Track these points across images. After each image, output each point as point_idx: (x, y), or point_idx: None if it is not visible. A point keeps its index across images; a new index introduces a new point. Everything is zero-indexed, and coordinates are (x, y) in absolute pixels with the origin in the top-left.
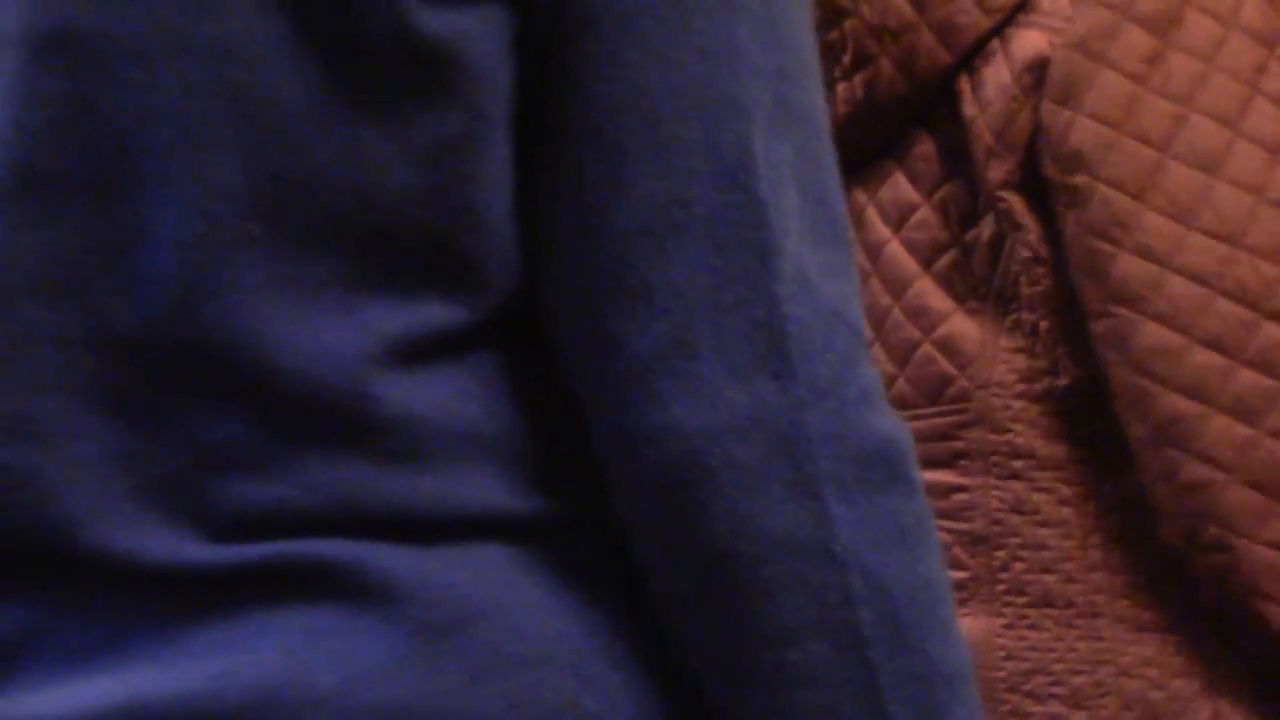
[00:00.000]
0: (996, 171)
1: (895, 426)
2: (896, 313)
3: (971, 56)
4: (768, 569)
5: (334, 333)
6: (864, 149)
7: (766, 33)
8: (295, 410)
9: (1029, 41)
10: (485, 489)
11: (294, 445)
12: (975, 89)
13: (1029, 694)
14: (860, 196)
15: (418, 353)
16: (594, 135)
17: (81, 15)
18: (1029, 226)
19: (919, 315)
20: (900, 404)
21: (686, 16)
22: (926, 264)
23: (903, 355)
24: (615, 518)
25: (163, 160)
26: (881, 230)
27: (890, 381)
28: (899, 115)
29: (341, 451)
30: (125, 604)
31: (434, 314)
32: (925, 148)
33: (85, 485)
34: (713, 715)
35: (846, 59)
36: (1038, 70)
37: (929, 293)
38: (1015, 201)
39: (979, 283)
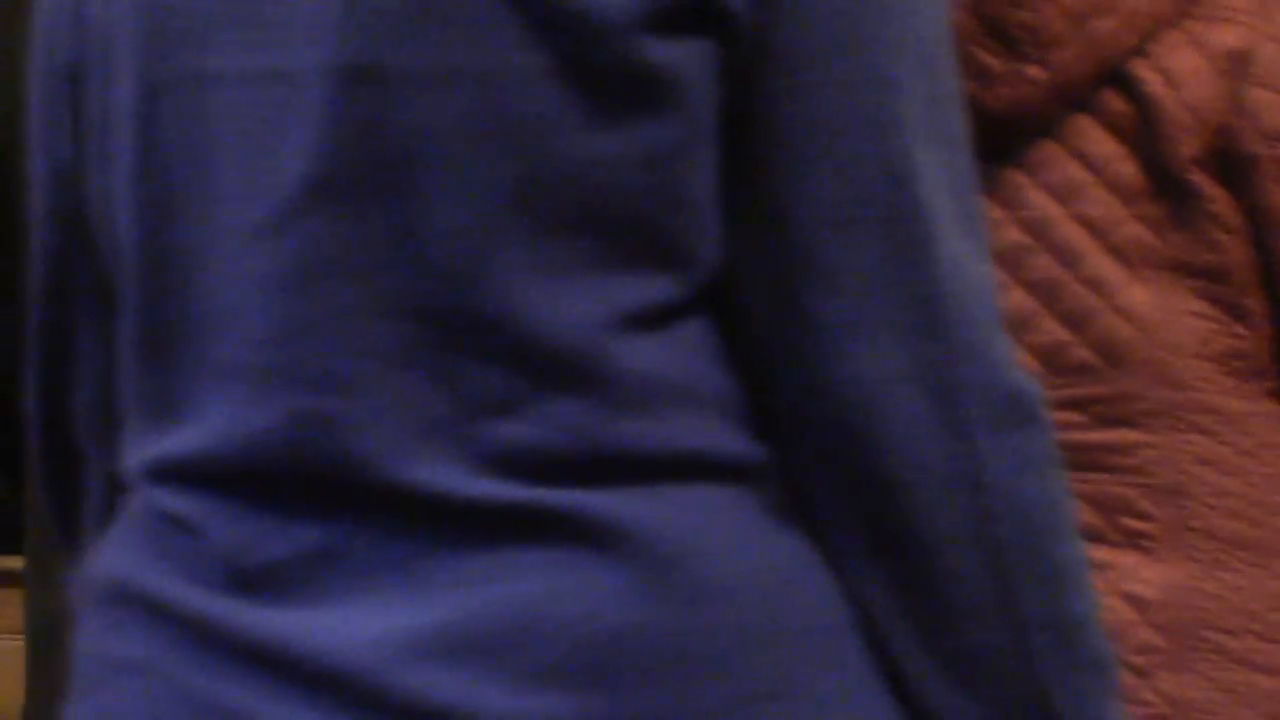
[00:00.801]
0: (1189, 147)
1: (1027, 379)
2: (1072, 283)
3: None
4: (927, 492)
5: (579, 304)
6: (1023, 133)
7: (923, 65)
8: (547, 366)
9: (1224, 33)
10: (699, 435)
11: (546, 394)
12: (1163, 72)
13: (1226, 631)
14: (1018, 177)
15: (644, 320)
16: (786, 146)
17: (373, 54)
18: (1217, 198)
19: (1096, 285)
20: (1080, 368)
21: (861, 53)
22: (1099, 236)
23: (1079, 322)
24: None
25: (440, 167)
26: (1049, 207)
27: (1063, 348)
28: (1073, 97)
29: (583, 401)
30: (412, 533)
31: (657, 288)
32: (1089, 128)
33: (379, 427)
34: (877, 624)
35: (1038, 40)
36: (1238, 58)
37: (1104, 264)
38: (1203, 175)
39: (1153, 251)
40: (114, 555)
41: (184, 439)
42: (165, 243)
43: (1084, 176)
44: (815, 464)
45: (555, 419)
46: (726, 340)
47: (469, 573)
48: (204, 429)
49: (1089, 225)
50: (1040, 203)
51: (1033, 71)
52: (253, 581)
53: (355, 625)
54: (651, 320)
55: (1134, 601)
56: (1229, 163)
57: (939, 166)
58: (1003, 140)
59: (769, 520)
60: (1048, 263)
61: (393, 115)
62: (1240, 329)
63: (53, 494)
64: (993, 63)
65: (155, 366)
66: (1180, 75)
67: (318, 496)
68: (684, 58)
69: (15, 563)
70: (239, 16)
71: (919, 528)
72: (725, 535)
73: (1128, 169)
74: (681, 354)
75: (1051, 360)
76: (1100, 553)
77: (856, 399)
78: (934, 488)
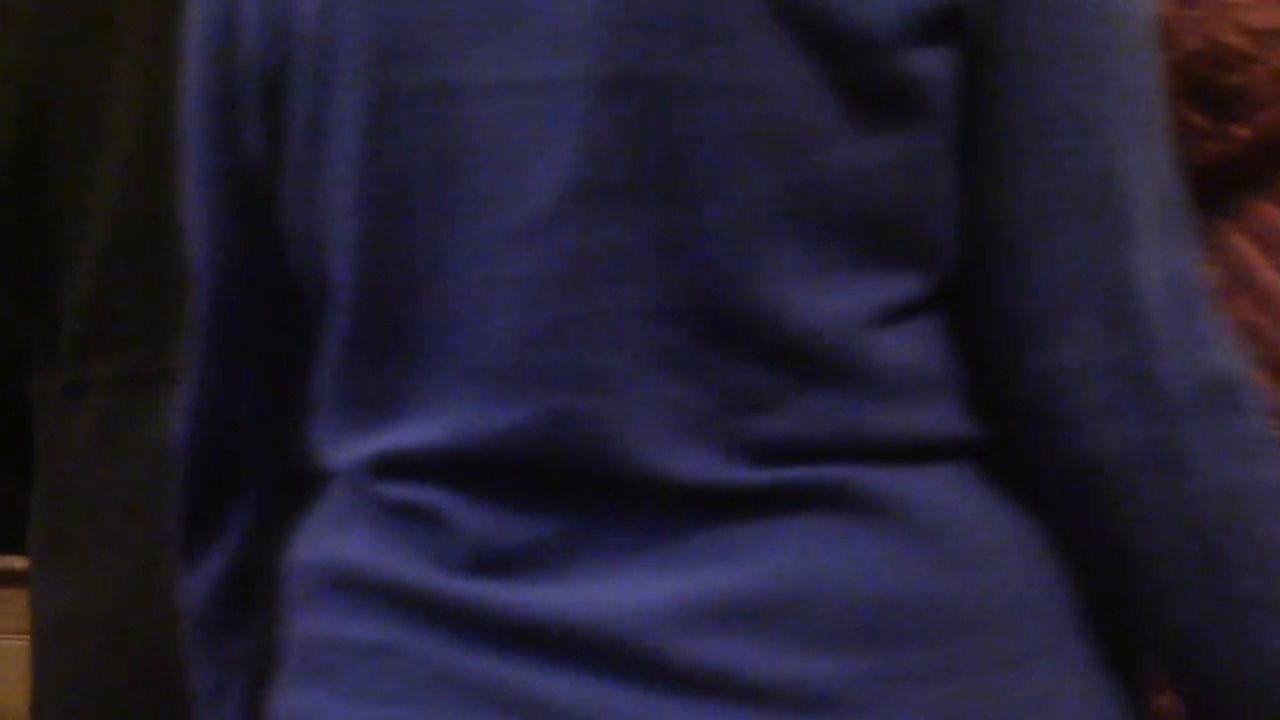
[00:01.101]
0: None
1: (1234, 362)
2: (1271, 330)
3: None
4: (1128, 477)
5: (839, 302)
6: (1228, 185)
7: (1133, 70)
8: (808, 361)
9: None
10: (943, 419)
11: (806, 388)
12: None
13: None
14: (1223, 223)
15: (896, 315)
16: (998, 143)
17: (638, 65)
18: None
19: None
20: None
21: (1076, 59)
22: None
23: (1275, 367)
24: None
25: (710, 173)
26: (1251, 255)
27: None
28: (1278, 155)
29: (841, 392)
30: (670, 516)
31: (908, 285)
32: None
33: (642, 422)
34: (1096, 589)
35: (1246, 101)
36: None
37: None
38: None
39: None
40: (335, 544)
41: (418, 433)
42: (395, 246)
43: None
44: (1028, 448)
45: (813, 411)
46: (956, 332)
47: (734, 547)
48: (445, 424)
49: None
50: (1245, 249)
51: (1239, 131)
52: (503, 564)
53: (620, 596)
54: (902, 315)
55: None
56: None
57: (1144, 163)
58: (1207, 189)
59: (1008, 496)
60: (1248, 307)
61: (660, 124)
62: None
63: (202, 486)
64: (1199, 121)
65: (374, 365)
66: None
67: (567, 487)
68: (938, 67)
69: (18, 562)
70: (491, 31)
71: (1123, 511)
72: (977, 507)
73: None
74: (924, 346)
75: None
76: None
77: (1057, 389)
78: (1135, 473)
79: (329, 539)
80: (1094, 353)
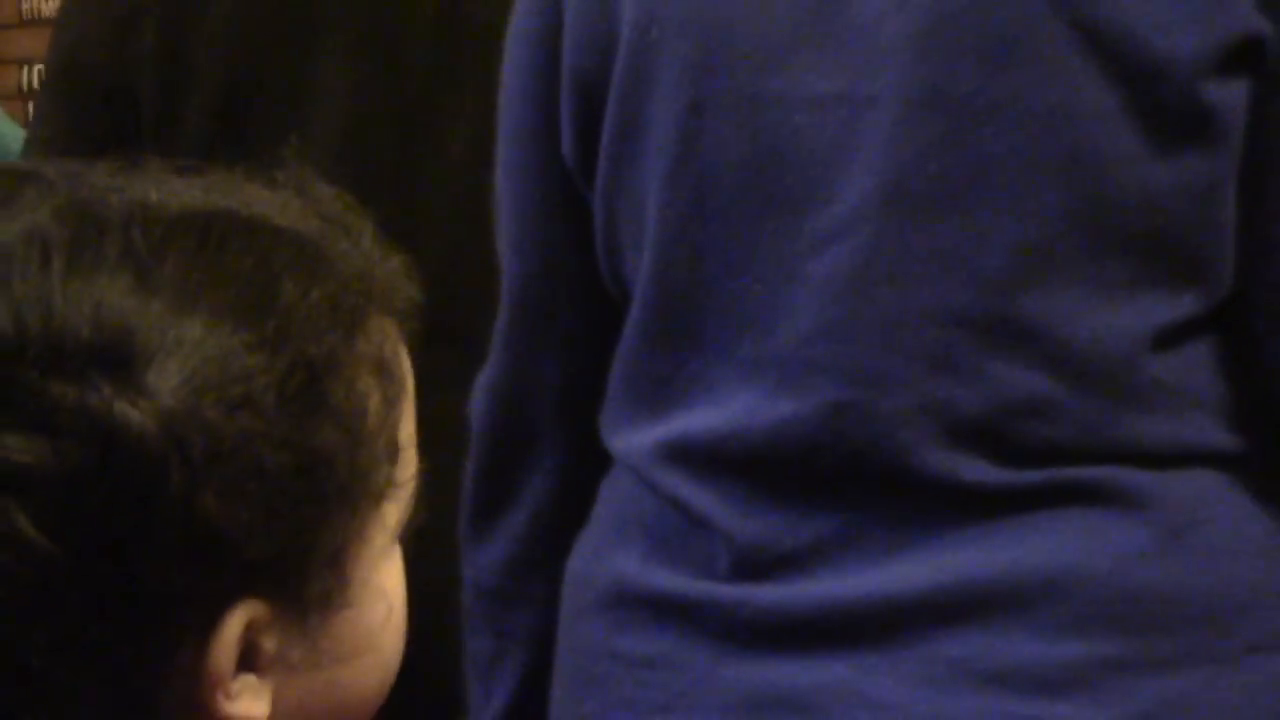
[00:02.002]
0: None
1: None
2: None
3: None
4: None
5: (1118, 319)
6: None
7: None
8: (1082, 373)
9: None
10: (1203, 431)
11: (1078, 398)
12: None
13: None
14: None
15: (1171, 334)
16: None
17: (945, 83)
18: None
19: None
20: None
21: None
22: None
23: None
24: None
25: (1004, 189)
26: None
27: None
28: None
29: (1111, 404)
30: (936, 513)
31: (1184, 306)
32: None
33: (912, 423)
34: None
35: None
36: None
37: None
38: None
39: None
40: (616, 557)
41: (696, 420)
42: (697, 244)
43: None
44: None
45: (1082, 420)
46: (1225, 352)
47: (994, 539)
48: (722, 413)
49: None
50: None
51: None
52: (768, 565)
53: (880, 588)
54: (1175, 334)
55: None
56: None
57: None
58: None
59: (1257, 500)
60: None
61: (962, 140)
62: None
63: (496, 459)
64: None
65: (665, 354)
66: None
67: (837, 482)
68: (1233, 96)
69: None
70: (808, 46)
71: None
72: (1227, 507)
73: None
74: (1192, 364)
75: None
76: None
77: None
78: None
79: (605, 551)
80: None
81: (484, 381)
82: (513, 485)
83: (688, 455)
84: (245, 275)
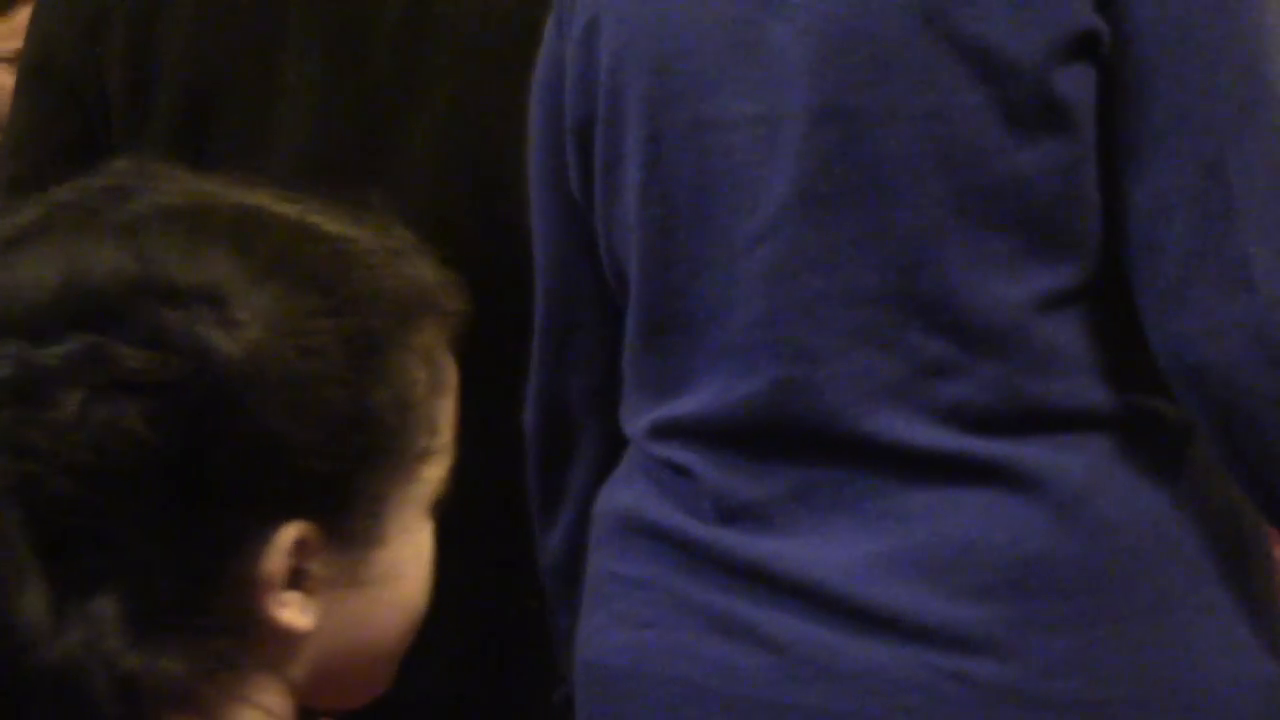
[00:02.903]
0: None
1: None
2: None
3: None
4: (1261, 413)
5: (1005, 288)
6: None
7: (1244, 67)
8: (980, 338)
9: None
10: (1091, 393)
11: (977, 360)
12: None
13: None
14: None
15: (1054, 301)
16: (1128, 149)
17: (841, 97)
18: None
19: None
20: None
21: (1190, 72)
22: None
23: None
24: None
25: (899, 184)
26: None
27: None
28: None
29: (1005, 365)
30: (868, 475)
31: (1063, 275)
32: None
33: (844, 390)
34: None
35: None
36: None
37: None
38: None
39: None
40: (621, 494)
41: (683, 405)
42: (667, 254)
43: None
44: (1185, 400)
45: (983, 380)
46: (1112, 316)
47: (916, 509)
48: (701, 397)
49: None
50: None
51: None
52: (738, 515)
53: (825, 550)
54: (1060, 301)
55: None
56: None
57: (1256, 155)
58: None
59: (1146, 468)
60: None
61: (858, 145)
62: None
63: (546, 458)
64: None
65: (656, 351)
66: None
67: (789, 448)
68: (1079, 85)
69: None
70: (734, 74)
71: (1261, 439)
72: (1120, 479)
73: None
74: (1075, 328)
75: None
76: None
77: (1190, 347)
78: (1265, 409)
79: (618, 491)
80: (1215, 314)
81: (529, 392)
82: (563, 479)
83: (677, 431)
84: (324, 261)
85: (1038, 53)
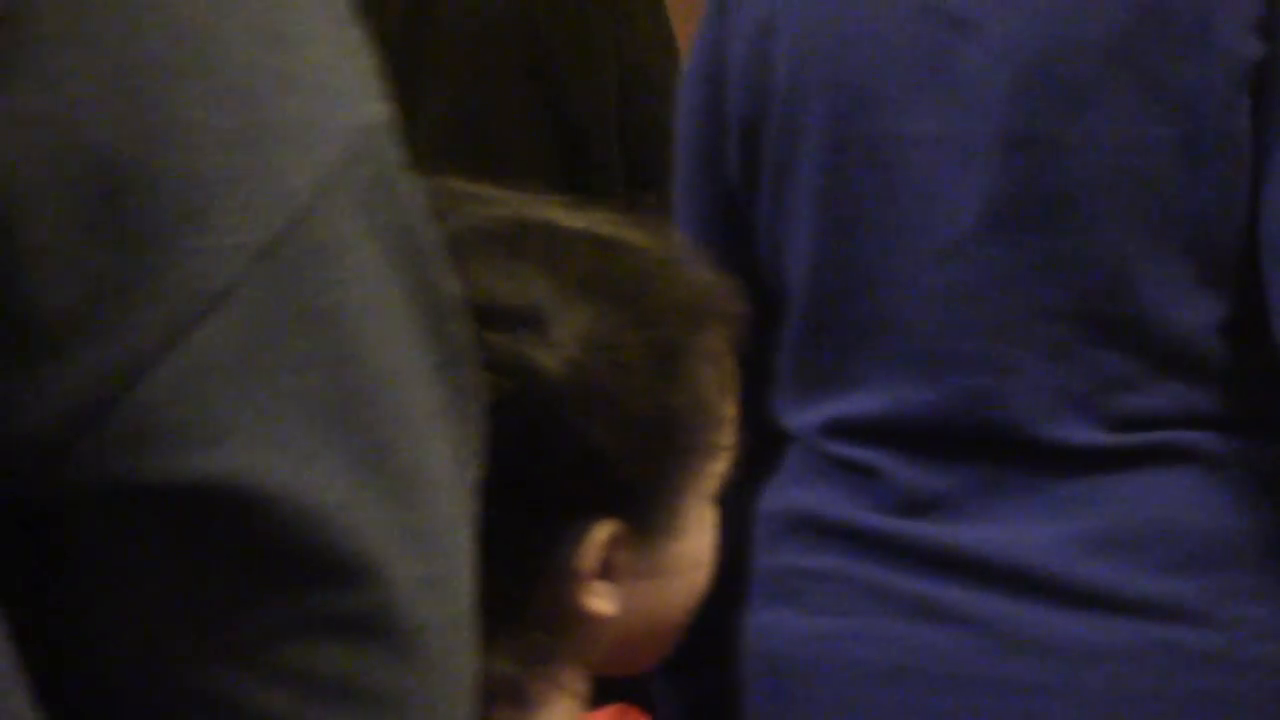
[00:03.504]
0: None
1: None
2: None
3: None
4: None
5: (1187, 311)
6: None
7: None
8: (1165, 355)
9: None
10: (1267, 409)
11: (1162, 376)
12: None
13: None
14: None
15: (1227, 325)
16: (1266, 174)
17: (1038, 125)
18: None
19: None
20: None
21: None
22: None
23: None
24: None
25: (1086, 209)
26: None
27: None
28: None
29: (1186, 380)
30: (1053, 471)
31: (1235, 299)
32: None
33: (1027, 399)
34: None
35: None
36: None
37: None
38: None
39: None
40: (794, 493)
41: (860, 405)
42: (843, 258)
43: None
44: None
45: (1164, 393)
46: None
47: (1109, 494)
48: (880, 399)
49: None
50: None
51: None
52: (930, 507)
53: (1023, 534)
54: (1230, 325)
55: None
56: None
57: None
58: None
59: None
60: None
61: (1052, 171)
62: None
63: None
64: None
65: (822, 348)
66: None
67: (976, 447)
68: (1249, 114)
69: None
70: (925, 93)
71: None
72: (1274, 464)
73: None
74: (1247, 350)
75: None
76: None
77: None
78: None
79: (789, 491)
80: None
81: None
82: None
83: (851, 430)
84: (626, 276)
85: (1222, 86)
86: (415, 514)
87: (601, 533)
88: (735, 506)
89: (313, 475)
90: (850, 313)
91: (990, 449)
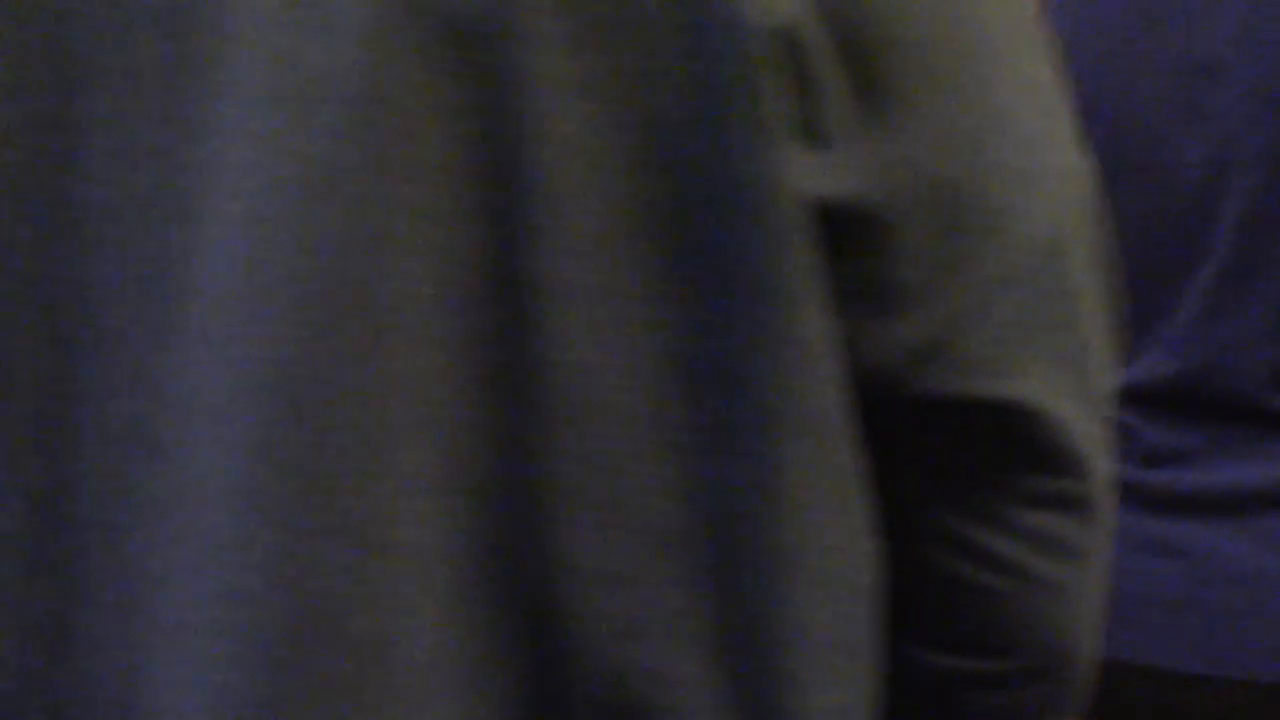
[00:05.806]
0: None
1: None
2: None
3: None
4: None
5: (1258, 358)
6: None
7: None
8: None
9: None
10: None
11: None
12: None
13: None
14: None
15: None
16: None
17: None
18: None
19: None
20: None
21: None
22: None
23: None
24: None
25: (1198, 231)
26: None
27: None
28: None
29: None
30: (1272, 428)
31: None
32: None
33: (1252, 375)
34: None
35: None
36: None
37: None
38: None
39: None
40: None
41: (1126, 375)
42: (1118, 270)
43: None
44: None
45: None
46: None
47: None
48: (1135, 371)
49: None
50: None
51: None
52: (1165, 461)
53: (1234, 481)
54: None
55: None
56: None
57: None
58: None
59: None
60: None
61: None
62: None
63: None
64: None
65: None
66: None
67: (1204, 412)
68: None
69: None
70: (1180, 128)
71: None
72: None
73: None
74: None
75: None
76: None
77: None
78: None
79: None
80: None
81: None
82: None
83: (1122, 397)
84: None
85: None
86: (1100, 426)
87: None
88: None
89: (1060, 401)
90: (1130, 307)
91: (1215, 414)
